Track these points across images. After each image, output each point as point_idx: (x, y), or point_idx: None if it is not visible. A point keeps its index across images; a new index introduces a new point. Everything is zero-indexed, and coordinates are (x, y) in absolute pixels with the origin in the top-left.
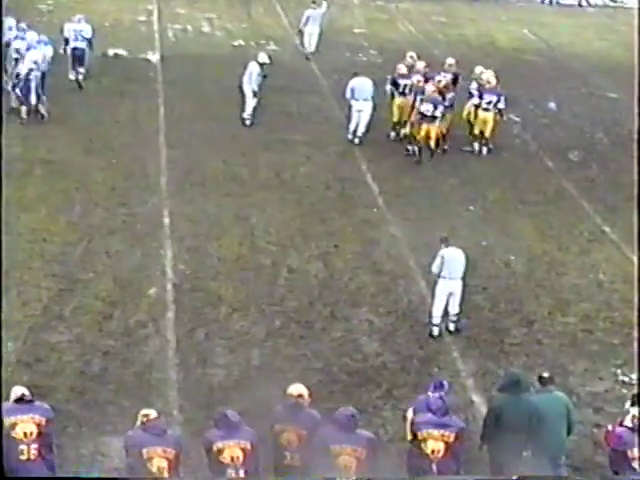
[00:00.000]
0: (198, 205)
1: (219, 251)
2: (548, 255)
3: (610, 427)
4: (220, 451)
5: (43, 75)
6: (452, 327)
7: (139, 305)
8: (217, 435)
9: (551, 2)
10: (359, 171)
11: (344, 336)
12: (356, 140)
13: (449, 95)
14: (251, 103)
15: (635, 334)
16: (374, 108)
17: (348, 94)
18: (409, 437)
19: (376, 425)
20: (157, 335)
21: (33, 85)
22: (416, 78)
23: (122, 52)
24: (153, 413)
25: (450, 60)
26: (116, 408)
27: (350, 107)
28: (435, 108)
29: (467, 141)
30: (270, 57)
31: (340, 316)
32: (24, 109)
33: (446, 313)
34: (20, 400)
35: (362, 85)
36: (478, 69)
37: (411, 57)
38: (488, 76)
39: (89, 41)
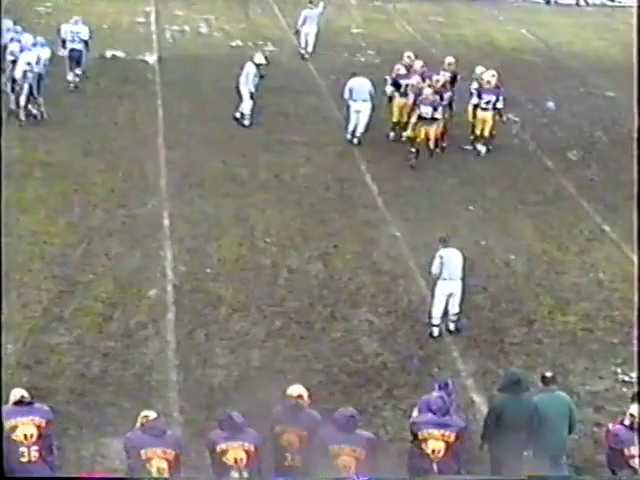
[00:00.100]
0: (197, 206)
1: (219, 252)
2: (548, 254)
3: (610, 426)
4: (223, 452)
5: (40, 77)
6: (452, 327)
7: (139, 306)
8: (221, 436)
9: (548, 2)
10: (358, 171)
11: (344, 336)
12: (355, 140)
13: (447, 94)
14: (248, 104)
15: (635, 333)
16: (373, 108)
17: (346, 94)
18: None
19: (376, 425)
20: (157, 336)
21: (26, 86)
22: (415, 79)
23: (120, 54)
24: (153, 415)
25: (449, 59)
26: (116, 410)
27: (348, 107)
28: (434, 110)
29: (466, 140)
30: (266, 57)
31: (340, 316)
32: (22, 111)
33: (446, 313)
34: (20, 402)
35: (360, 85)
36: (479, 69)
37: (409, 57)
38: (488, 76)
39: (86, 43)
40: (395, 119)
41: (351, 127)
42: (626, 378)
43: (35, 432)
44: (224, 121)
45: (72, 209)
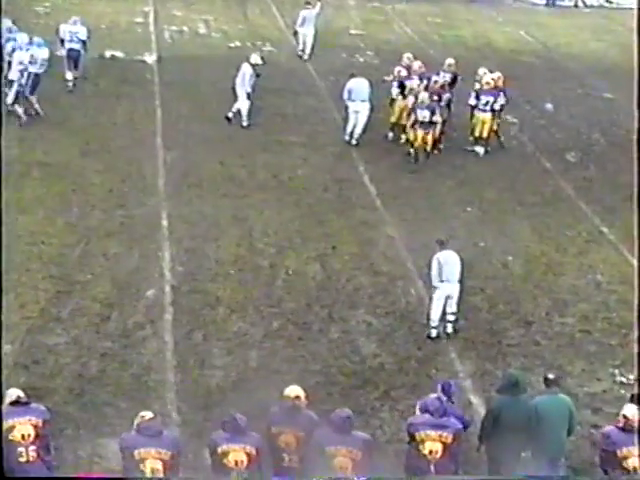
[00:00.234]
0: (196, 206)
1: (217, 252)
2: (546, 256)
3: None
4: (225, 454)
5: (36, 76)
6: (450, 329)
7: (137, 307)
8: (223, 438)
9: (552, 4)
10: (356, 172)
11: (342, 337)
12: (353, 141)
13: (445, 95)
14: (245, 105)
15: (633, 335)
16: (371, 109)
17: (345, 95)
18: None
19: (374, 426)
20: (155, 337)
21: (15, 86)
22: (415, 82)
23: (119, 54)
24: (150, 415)
25: (450, 60)
26: (114, 410)
27: (347, 108)
28: (432, 114)
29: (465, 142)
30: (262, 58)
31: (338, 317)
32: (21, 111)
33: (444, 315)
34: (16, 403)
35: (359, 86)
36: (481, 70)
37: (408, 58)
38: (487, 77)
39: (84, 43)
40: (394, 119)
41: (349, 128)
42: (624, 380)
43: (32, 432)
44: (222, 122)
45: (70, 209)
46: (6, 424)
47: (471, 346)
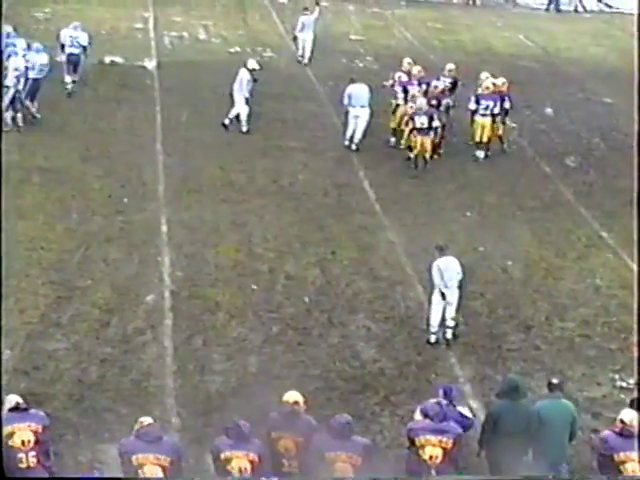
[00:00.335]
0: (195, 212)
1: (216, 258)
2: (545, 260)
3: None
4: (228, 460)
5: (35, 81)
6: (449, 335)
7: (137, 312)
8: (226, 444)
9: (548, 8)
10: (356, 177)
11: (341, 342)
12: (353, 146)
13: (444, 101)
14: (244, 110)
15: (632, 339)
16: (371, 114)
17: (345, 100)
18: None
19: (374, 431)
20: (155, 342)
21: (11, 91)
22: (416, 89)
23: (119, 59)
24: (149, 421)
25: (450, 65)
26: (114, 415)
27: (347, 113)
28: (431, 120)
29: (464, 147)
30: (259, 63)
31: (337, 322)
32: (19, 116)
33: (443, 320)
34: (15, 409)
35: (359, 91)
36: (483, 75)
37: (409, 63)
38: (487, 82)
39: (84, 48)
40: (394, 125)
41: (349, 133)
42: (624, 384)
43: (32, 438)
44: (222, 127)
45: (70, 215)
46: (6, 430)
47: (471, 351)
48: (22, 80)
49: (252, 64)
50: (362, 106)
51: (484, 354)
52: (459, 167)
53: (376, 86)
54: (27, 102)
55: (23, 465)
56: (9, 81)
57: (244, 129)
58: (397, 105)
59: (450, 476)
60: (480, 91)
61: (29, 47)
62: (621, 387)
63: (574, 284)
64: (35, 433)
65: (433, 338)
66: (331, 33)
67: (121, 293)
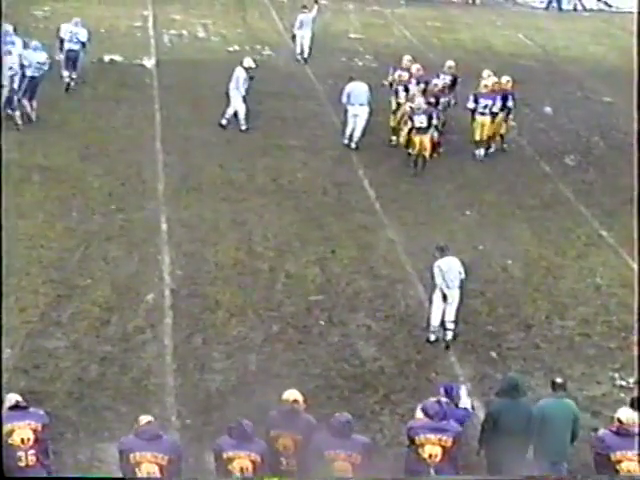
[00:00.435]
0: (195, 210)
1: (216, 256)
2: (545, 259)
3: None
4: (230, 460)
5: (32, 79)
6: (449, 336)
7: (137, 311)
8: (229, 443)
9: (548, 7)
10: (356, 176)
11: (341, 341)
12: (352, 145)
13: (443, 99)
14: (242, 108)
15: (632, 338)
16: (370, 113)
17: (344, 99)
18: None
19: (374, 430)
20: (155, 341)
21: (5, 90)
22: (415, 88)
23: (118, 58)
24: (148, 419)
25: (450, 62)
26: (113, 414)
27: (346, 112)
28: (429, 119)
29: (464, 145)
30: (255, 61)
31: (337, 321)
32: (17, 114)
33: (443, 320)
34: (15, 407)
35: (358, 90)
36: (485, 73)
37: (409, 61)
38: (486, 81)
39: (83, 45)
40: (394, 124)
41: (348, 131)
42: (623, 383)
43: (32, 436)
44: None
45: (70, 213)
46: (5, 428)
47: (471, 349)
48: (16, 79)
49: (248, 62)
50: (361, 104)
51: (484, 353)
52: (458, 166)
53: (375, 84)
54: (25, 101)
55: (22, 463)
56: (3, 80)
57: (243, 127)
58: (399, 104)
59: (450, 476)
60: (479, 90)
61: (26, 45)
62: (621, 386)
63: (574, 283)
64: (35, 431)
65: (433, 337)
66: (330, 31)
67: (121, 292)
